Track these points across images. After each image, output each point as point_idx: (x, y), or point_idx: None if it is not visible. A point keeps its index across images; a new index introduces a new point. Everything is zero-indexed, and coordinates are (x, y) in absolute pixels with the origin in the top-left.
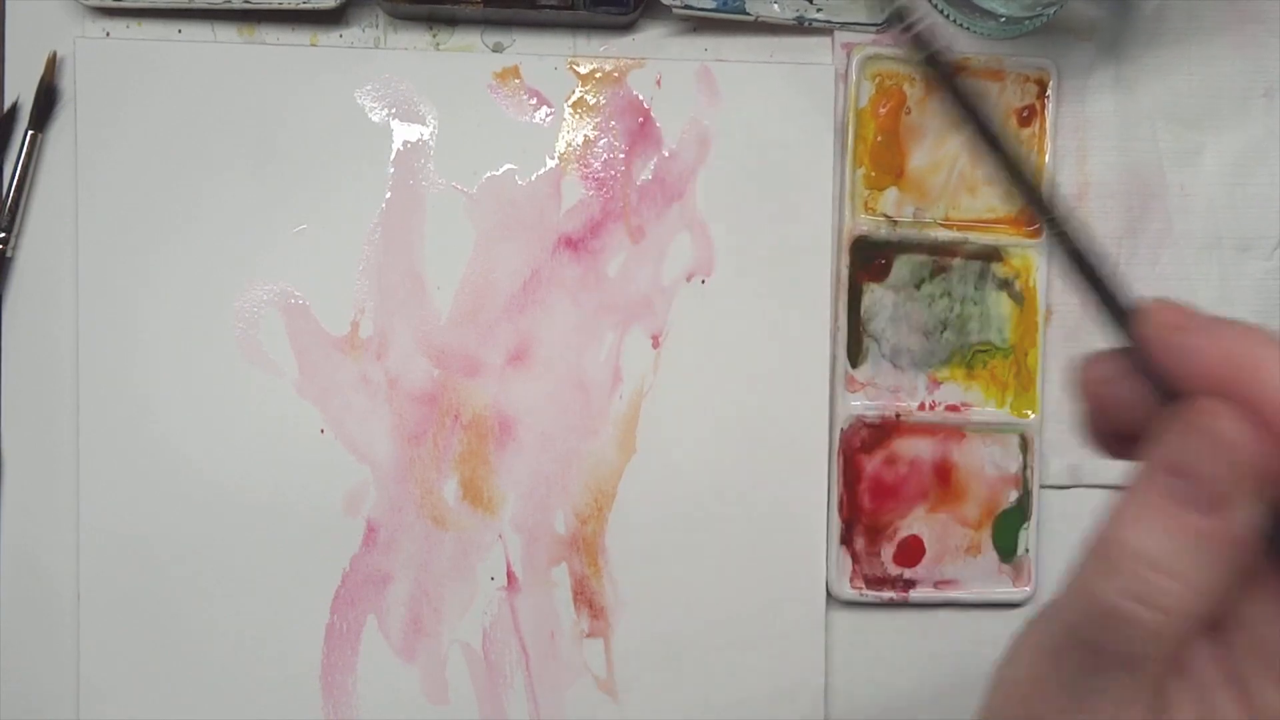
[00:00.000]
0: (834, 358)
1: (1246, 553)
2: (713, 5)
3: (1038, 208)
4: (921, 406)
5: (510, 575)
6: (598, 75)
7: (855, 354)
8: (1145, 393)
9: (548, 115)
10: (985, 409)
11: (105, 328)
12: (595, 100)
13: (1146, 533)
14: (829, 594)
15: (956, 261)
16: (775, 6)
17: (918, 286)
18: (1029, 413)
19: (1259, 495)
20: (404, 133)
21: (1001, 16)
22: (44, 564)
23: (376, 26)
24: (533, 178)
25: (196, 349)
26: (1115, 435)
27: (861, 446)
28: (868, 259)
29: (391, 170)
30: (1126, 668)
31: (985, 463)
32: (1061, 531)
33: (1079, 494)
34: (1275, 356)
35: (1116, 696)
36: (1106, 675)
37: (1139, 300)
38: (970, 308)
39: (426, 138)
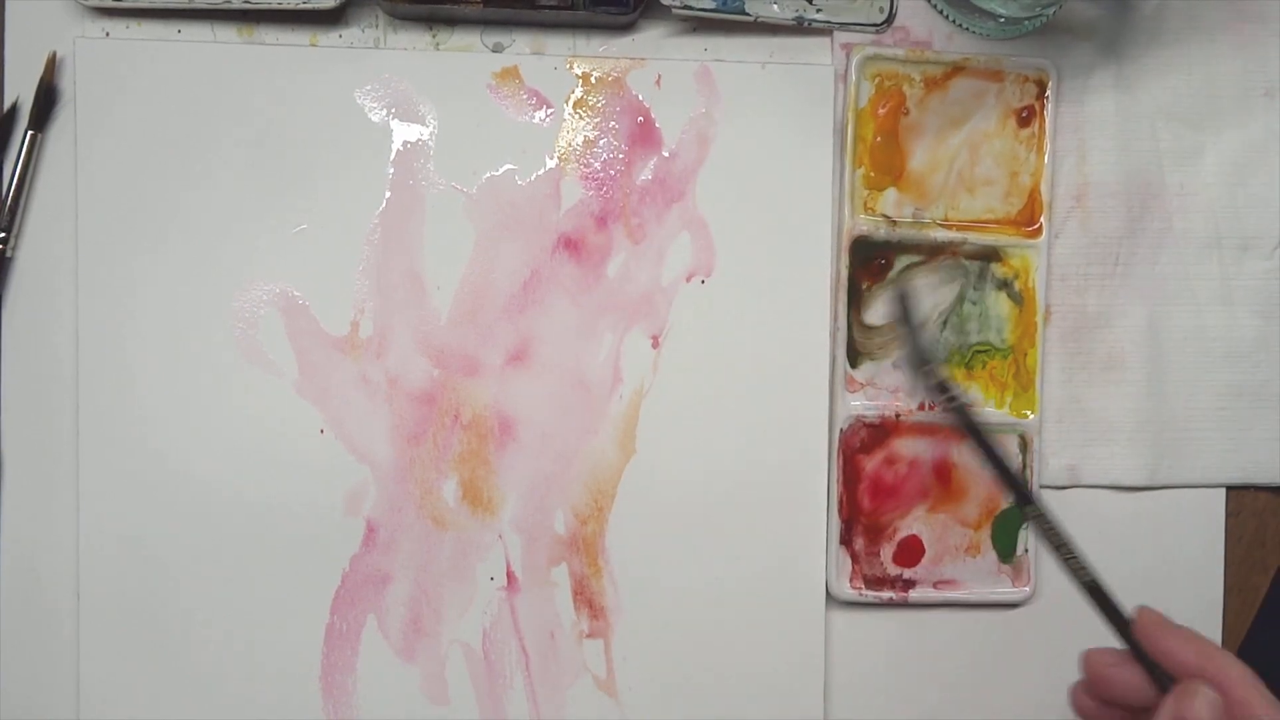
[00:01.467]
0: (834, 358)
1: None
2: (712, 5)
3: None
4: (921, 406)
5: (510, 575)
6: (597, 75)
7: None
8: (1134, 673)
9: (548, 115)
10: (984, 409)
11: (105, 327)
12: (595, 100)
13: None
14: (829, 594)
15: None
16: (775, 7)
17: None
18: (1028, 413)
19: None
20: (404, 133)
21: (1001, 17)
22: (44, 564)
23: (376, 26)
24: (533, 178)
25: (196, 349)
26: (1101, 700)
27: (861, 446)
28: (868, 259)
29: (391, 170)
30: None
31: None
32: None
33: (1078, 494)
34: (1230, 656)
35: None
36: None
37: (1133, 610)
38: (969, 308)
39: (426, 138)
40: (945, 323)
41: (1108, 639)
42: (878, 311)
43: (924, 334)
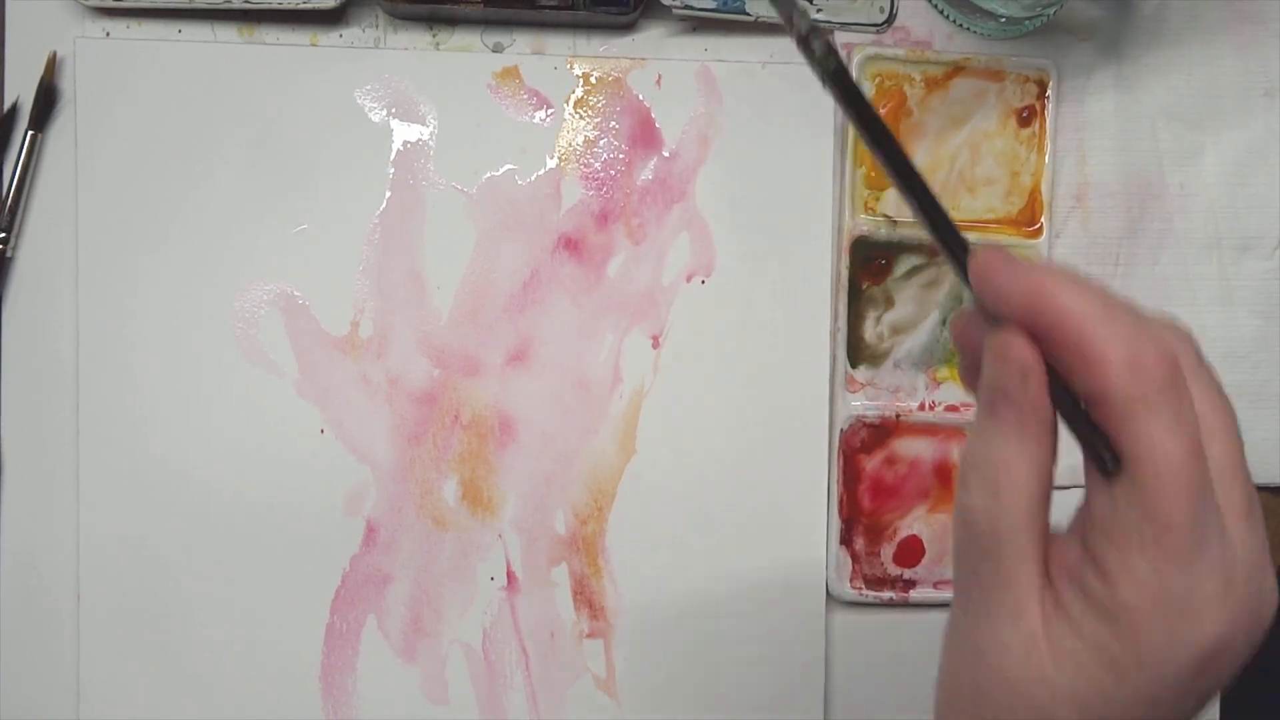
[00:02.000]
0: (834, 358)
1: (1050, 441)
2: (713, 5)
3: (904, 182)
4: (921, 406)
5: (510, 575)
6: (598, 75)
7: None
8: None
9: (548, 115)
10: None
11: (105, 327)
12: (595, 100)
13: (977, 444)
14: (829, 594)
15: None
16: None
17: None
18: None
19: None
20: (404, 133)
21: (1002, 16)
22: (44, 564)
23: (376, 26)
24: (533, 178)
25: (196, 349)
26: (967, 360)
27: (861, 446)
28: (868, 259)
29: (391, 170)
30: (999, 563)
31: None
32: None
33: (1078, 494)
34: (1064, 282)
35: (1004, 598)
36: (990, 580)
37: (971, 246)
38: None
39: (426, 138)
40: (944, 321)
41: None
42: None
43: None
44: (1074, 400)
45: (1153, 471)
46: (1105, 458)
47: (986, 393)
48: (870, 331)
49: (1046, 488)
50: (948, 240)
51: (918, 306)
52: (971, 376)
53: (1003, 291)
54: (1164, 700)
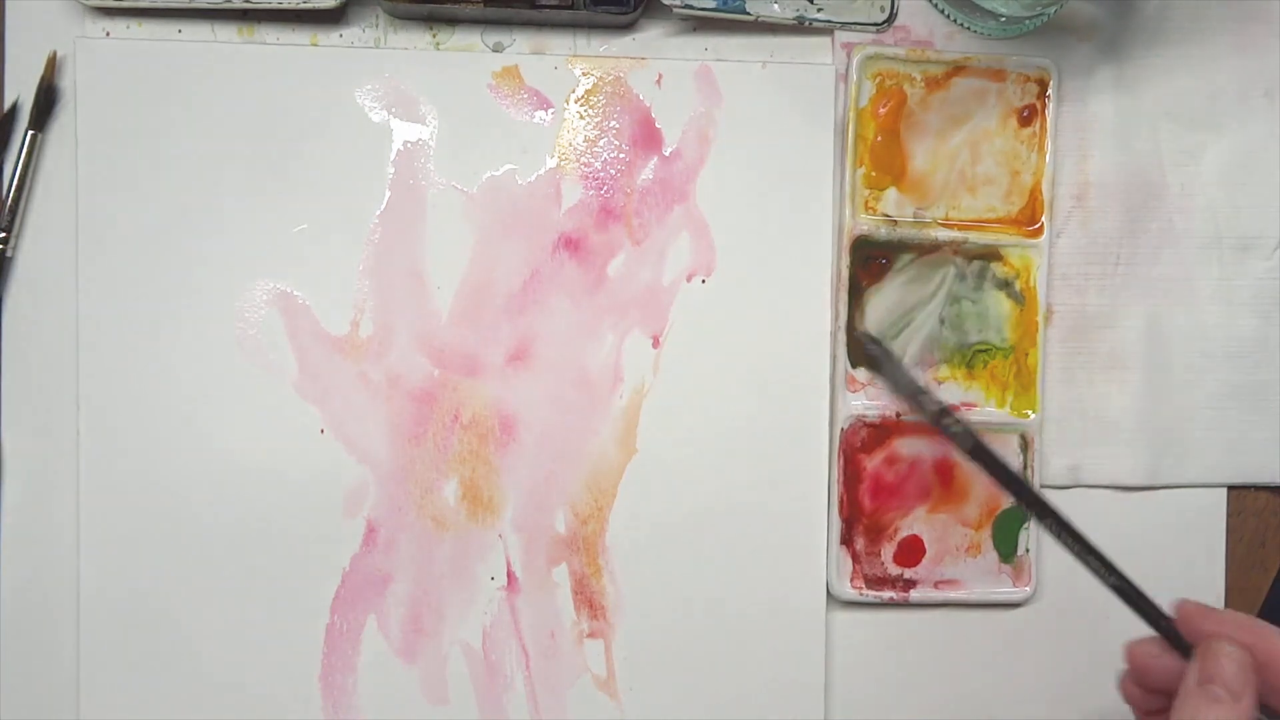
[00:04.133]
0: (835, 357)
1: None
2: (713, 5)
3: (1037, 509)
4: None
5: (510, 575)
6: (598, 75)
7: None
8: (1176, 660)
9: (548, 115)
10: (985, 409)
11: (105, 327)
12: (596, 100)
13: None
14: (829, 594)
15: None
16: (775, 6)
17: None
18: (1029, 413)
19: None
20: (404, 133)
21: (1002, 16)
22: (44, 564)
23: (376, 26)
24: (533, 178)
25: (196, 349)
26: (1146, 689)
27: (862, 446)
28: (868, 259)
29: (391, 170)
30: None
31: None
32: None
33: (1079, 494)
34: (1271, 626)
35: None
36: None
37: (1173, 605)
38: (969, 306)
39: (426, 138)
40: (943, 320)
41: (1110, 638)
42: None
43: (905, 371)
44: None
45: None
46: None
47: (1199, 682)
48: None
49: None
50: (1142, 604)
51: (917, 305)
52: (1139, 690)
53: (1215, 632)
54: None
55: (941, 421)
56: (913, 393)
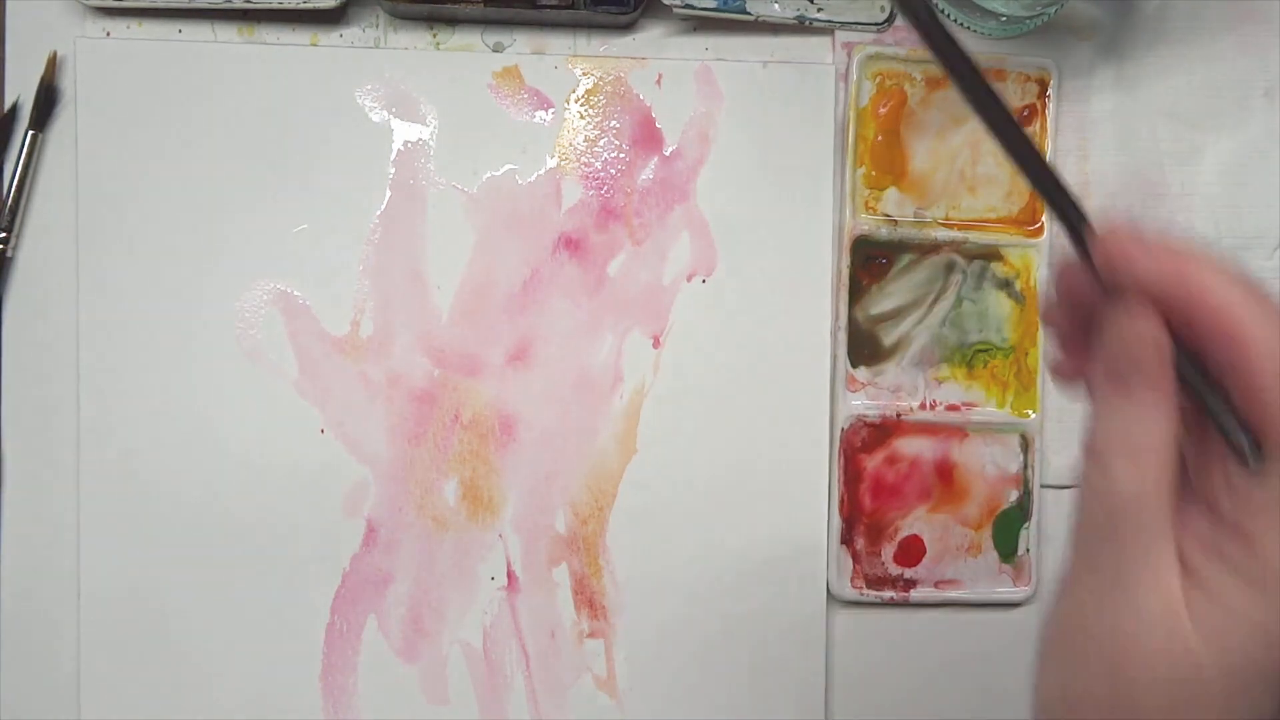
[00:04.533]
0: (835, 357)
1: (1177, 414)
2: (713, 5)
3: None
4: (922, 406)
5: (510, 575)
6: (598, 75)
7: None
8: (1097, 291)
9: (548, 115)
10: (986, 408)
11: (105, 327)
12: (596, 100)
13: (1111, 420)
14: (829, 594)
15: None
16: (776, 6)
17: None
18: (1029, 412)
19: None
20: (404, 133)
21: (1003, 16)
22: (44, 564)
23: (376, 26)
24: (533, 178)
25: (196, 349)
26: (1069, 325)
27: (862, 446)
28: (868, 259)
29: (391, 170)
30: (1138, 536)
31: (986, 462)
32: (1062, 531)
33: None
34: (1207, 266)
35: (1142, 572)
36: (1129, 554)
37: (1090, 219)
38: (969, 306)
39: (426, 138)
40: (945, 321)
41: None
42: None
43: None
44: (1209, 380)
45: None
46: (1246, 446)
47: (1114, 365)
48: (876, 332)
49: (1177, 460)
50: (1064, 208)
51: (917, 305)
52: (1072, 342)
53: (1137, 271)
54: None
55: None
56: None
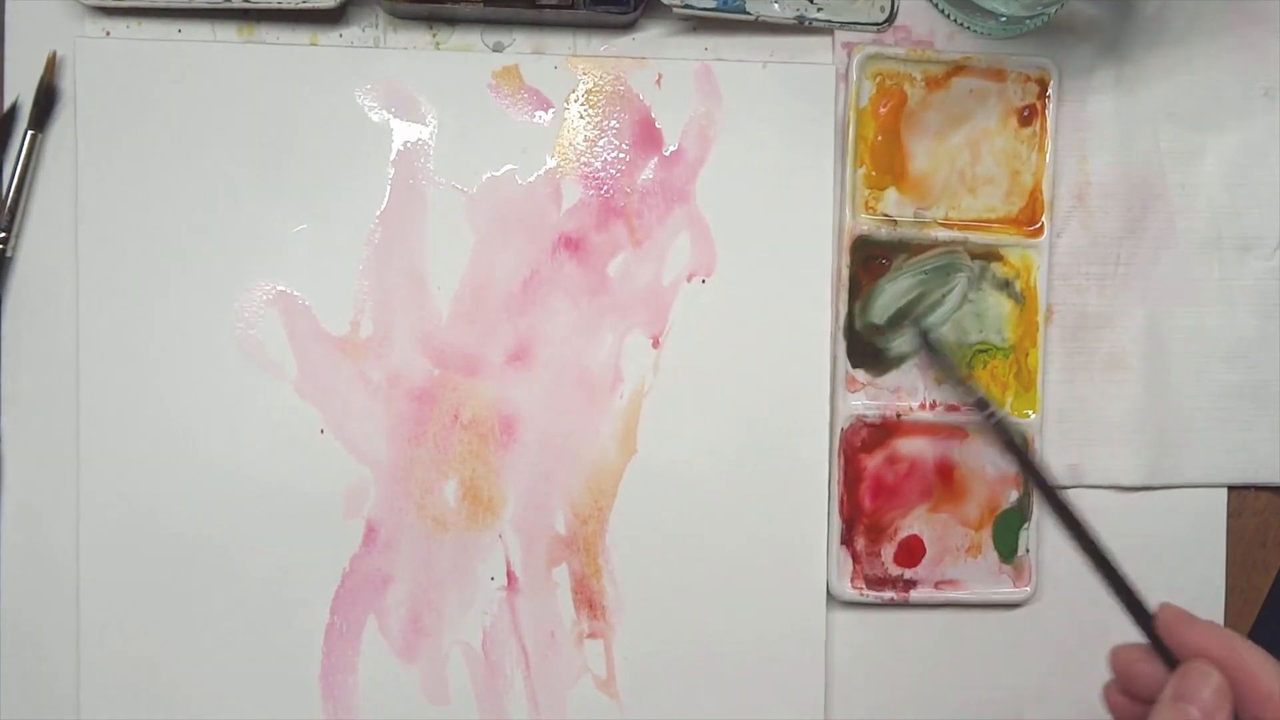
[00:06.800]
0: (835, 357)
1: None
2: (713, 5)
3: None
4: (922, 405)
5: (510, 575)
6: (598, 75)
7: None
8: (1157, 668)
9: (548, 115)
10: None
11: (105, 327)
12: (596, 100)
13: None
14: (829, 594)
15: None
16: (775, 6)
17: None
18: (1029, 413)
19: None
20: (404, 133)
21: (1002, 16)
22: (44, 563)
23: (376, 26)
24: (533, 177)
25: (196, 349)
26: (1129, 696)
27: (862, 446)
28: (869, 259)
29: (391, 170)
30: None
31: (986, 463)
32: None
33: (1079, 494)
34: (1252, 646)
35: None
36: None
37: (1155, 607)
38: (967, 306)
39: (426, 138)
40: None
41: (1111, 639)
42: (885, 317)
43: (954, 364)
44: None
45: None
46: None
47: (1173, 699)
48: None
49: None
50: (1128, 594)
51: (928, 301)
52: (1121, 697)
53: (1193, 641)
54: None
55: (981, 412)
56: (962, 387)
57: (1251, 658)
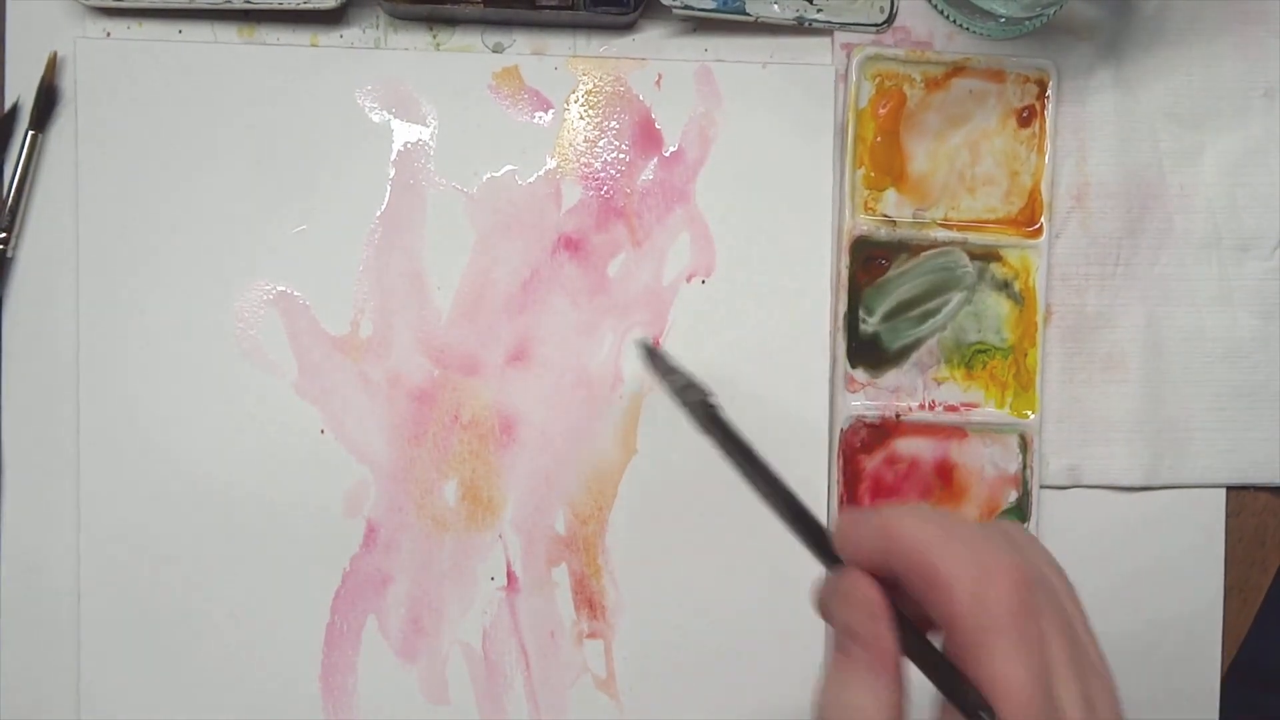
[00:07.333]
0: (834, 358)
1: (899, 678)
2: (713, 5)
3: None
4: (922, 406)
5: (510, 575)
6: (598, 75)
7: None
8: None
9: (548, 116)
10: (985, 409)
11: (105, 327)
12: (596, 100)
13: (829, 688)
14: None
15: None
16: (775, 7)
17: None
18: (1028, 413)
19: (895, 628)
20: (404, 133)
21: (1002, 17)
22: (44, 564)
23: (376, 26)
24: (533, 178)
25: (196, 349)
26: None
27: (862, 446)
28: (868, 259)
29: (391, 170)
30: None
31: (985, 463)
32: (1061, 532)
33: (1078, 494)
34: (906, 514)
35: None
36: None
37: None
38: (968, 307)
39: (426, 138)
40: (945, 326)
41: (1109, 637)
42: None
43: (672, 370)
44: (931, 648)
45: (1006, 706)
46: (971, 707)
47: (837, 635)
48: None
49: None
50: (805, 526)
51: (928, 302)
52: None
53: (858, 540)
54: None
55: (693, 399)
56: (678, 385)
57: (910, 528)
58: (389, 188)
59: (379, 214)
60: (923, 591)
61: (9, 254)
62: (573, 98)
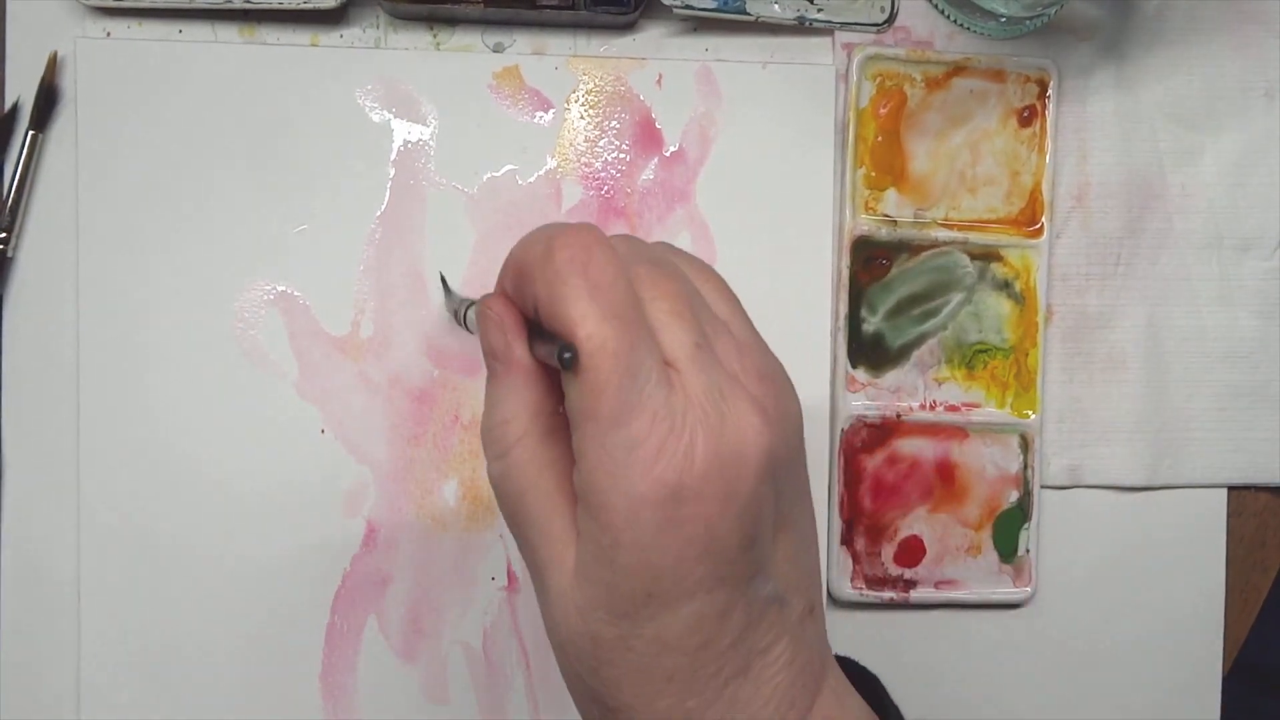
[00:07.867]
0: (835, 358)
1: (536, 374)
2: (713, 5)
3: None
4: (922, 406)
5: (510, 575)
6: (598, 75)
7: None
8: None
9: (548, 115)
10: (986, 409)
11: (105, 328)
12: (596, 100)
13: (487, 406)
14: (830, 594)
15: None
16: (776, 7)
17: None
18: (1029, 413)
19: (525, 338)
20: (404, 133)
21: (1002, 16)
22: (44, 564)
23: (377, 26)
24: (533, 178)
25: (196, 349)
26: None
27: (862, 446)
28: (869, 259)
29: (392, 170)
30: (532, 519)
31: (986, 463)
32: (1062, 532)
33: (1079, 494)
34: (521, 240)
35: (548, 553)
36: (534, 539)
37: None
38: (969, 307)
39: (426, 138)
40: (945, 326)
41: (1110, 639)
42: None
43: (451, 294)
44: (536, 324)
45: (581, 342)
46: (562, 355)
47: (485, 360)
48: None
49: (548, 431)
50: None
51: (929, 302)
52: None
53: (500, 280)
54: (658, 559)
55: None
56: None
57: (515, 247)
58: (389, 187)
59: (379, 214)
60: (521, 289)
61: (9, 254)
62: (573, 97)
